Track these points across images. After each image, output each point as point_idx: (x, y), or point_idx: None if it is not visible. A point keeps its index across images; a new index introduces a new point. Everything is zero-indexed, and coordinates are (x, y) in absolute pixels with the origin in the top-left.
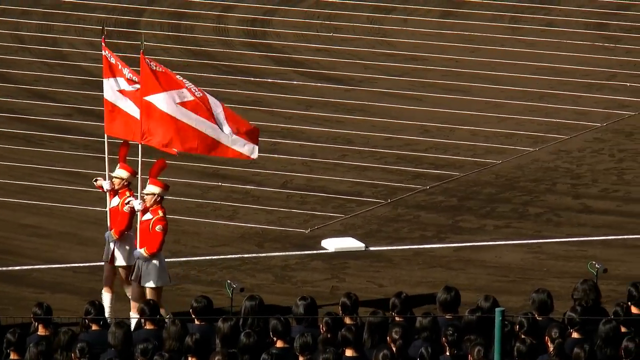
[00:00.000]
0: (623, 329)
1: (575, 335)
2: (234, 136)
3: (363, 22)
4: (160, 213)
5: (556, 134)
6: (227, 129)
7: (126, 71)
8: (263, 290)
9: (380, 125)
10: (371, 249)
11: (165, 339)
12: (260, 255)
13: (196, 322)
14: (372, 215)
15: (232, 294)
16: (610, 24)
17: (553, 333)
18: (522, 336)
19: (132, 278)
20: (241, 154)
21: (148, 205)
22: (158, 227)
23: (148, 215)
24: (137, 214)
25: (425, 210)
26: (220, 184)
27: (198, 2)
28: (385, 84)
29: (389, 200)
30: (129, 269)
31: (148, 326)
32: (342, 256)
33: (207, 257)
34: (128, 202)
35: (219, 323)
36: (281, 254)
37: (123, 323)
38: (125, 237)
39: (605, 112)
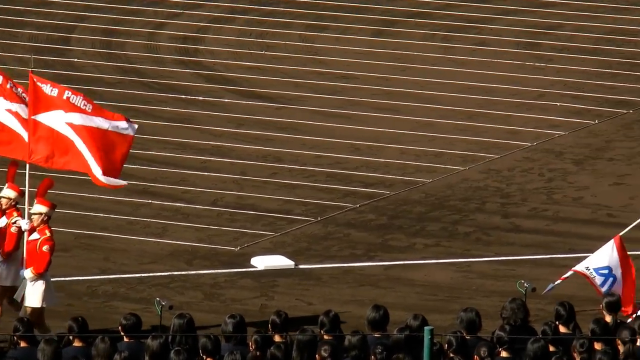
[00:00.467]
0: (551, 348)
1: (503, 354)
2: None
3: (295, 40)
4: (48, 233)
5: (486, 153)
6: (97, 169)
7: (19, 90)
8: (192, 308)
9: (310, 143)
10: (301, 267)
11: (94, 357)
12: (190, 272)
13: (125, 339)
14: (302, 234)
15: (161, 312)
16: (541, 43)
17: (482, 352)
18: (451, 355)
19: (15, 296)
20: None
21: (35, 224)
22: (45, 247)
23: (35, 235)
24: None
25: (355, 228)
26: (150, 201)
27: (130, 19)
28: (316, 102)
29: (319, 219)
30: (13, 289)
31: (76, 343)
32: (271, 274)
33: (137, 275)
34: (15, 222)
35: (148, 341)
36: (210, 271)
37: (52, 340)
38: (13, 257)
39: (535, 132)
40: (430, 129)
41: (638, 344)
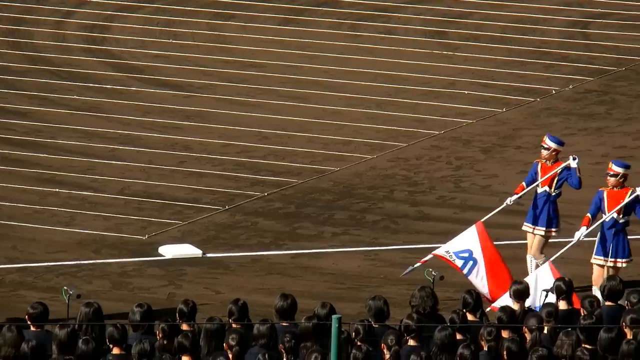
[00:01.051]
0: (459, 336)
1: (411, 342)
2: None
3: (202, 29)
4: None
5: (394, 141)
6: None
7: None
8: (100, 296)
9: (218, 131)
10: (208, 255)
11: (1, 346)
12: (97, 261)
13: (32, 328)
14: (210, 222)
15: (68, 301)
16: (449, 32)
17: (389, 340)
18: (359, 343)
19: None
20: None
21: None
22: None
23: None
24: None
25: (263, 217)
26: (57, 190)
27: (37, 7)
28: (223, 90)
29: (226, 207)
30: None
31: None
32: (179, 263)
33: (44, 264)
34: None
35: (56, 329)
36: (118, 260)
37: None
38: None
39: (443, 120)
40: (338, 117)
41: (545, 331)
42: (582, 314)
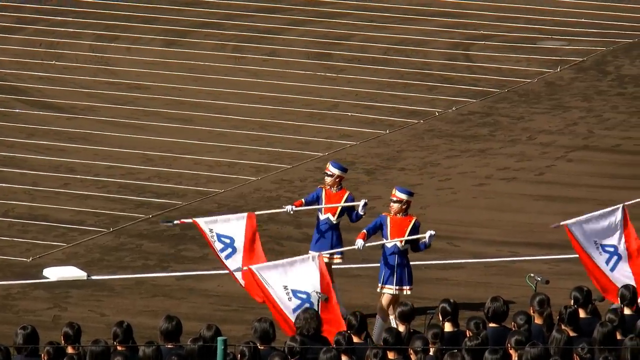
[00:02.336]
0: (344, 358)
1: None
2: None
3: (86, 51)
4: None
5: (278, 163)
6: None
7: None
8: None
9: (102, 153)
10: (93, 277)
11: None
12: None
13: None
14: (95, 244)
15: None
16: (333, 54)
17: None
18: None
19: None
20: None
21: None
22: None
23: None
24: None
25: (148, 239)
26: None
27: None
28: (107, 112)
29: (111, 229)
30: None
31: None
32: (64, 285)
33: None
34: None
35: None
36: (2, 283)
37: None
38: None
39: (327, 142)
40: (223, 139)
41: (430, 353)
42: (468, 335)
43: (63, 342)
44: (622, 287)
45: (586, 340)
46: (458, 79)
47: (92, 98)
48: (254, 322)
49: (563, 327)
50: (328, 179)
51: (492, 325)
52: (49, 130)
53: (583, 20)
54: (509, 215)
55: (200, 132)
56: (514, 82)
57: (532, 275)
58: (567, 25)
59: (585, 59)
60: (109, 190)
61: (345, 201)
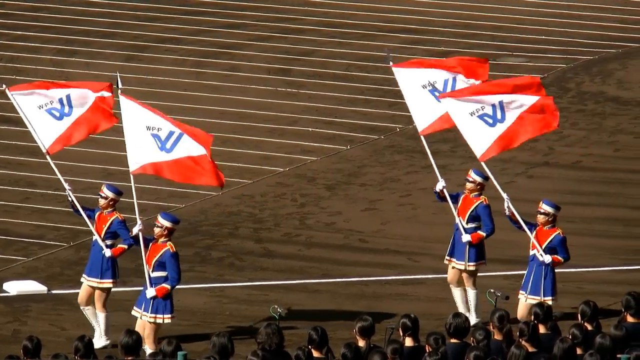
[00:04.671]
0: None
1: None
2: None
3: (46, 65)
4: None
5: (239, 178)
6: None
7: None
8: None
9: (62, 168)
10: (54, 292)
11: None
12: None
13: None
14: (55, 259)
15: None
16: (293, 69)
17: None
18: None
19: None
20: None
21: None
22: None
23: None
24: None
25: None
26: None
27: None
28: None
29: (71, 244)
30: None
31: None
32: (24, 299)
33: None
34: None
35: None
36: None
37: None
38: None
39: (288, 157)
40: None
41: None
42: (428, 351)
43: (23, 356)
44: (582, 303)
45: (545, 356)
46: None
47: None
48: (213, 336)
49: (523, 342)
50: (102, 201)
51: (452, 341)
52: (9, 145)
53: (544, 37)
54: None
55: None
56: None
57: (492, 291)
58: (528, 42)
59: (545, 75)
60: (69, 205)
61: (111, 224)
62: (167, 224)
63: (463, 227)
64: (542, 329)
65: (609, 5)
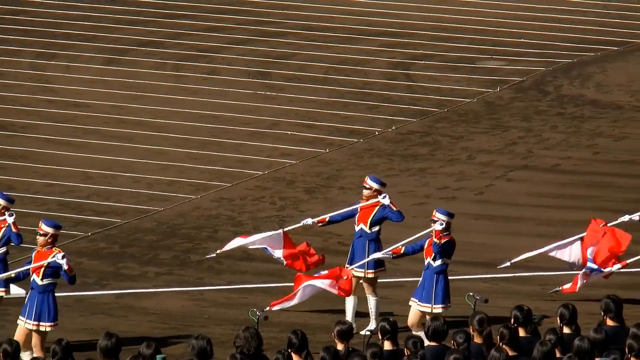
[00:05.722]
0: None
1: None
2: None
3: (25, 68)
4: None
5: (218, 181)
6: None
7: None
8: None
9: (42, 171)
10: None
11: None
12: None
13: None
14: None
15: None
16: (273, 72)
17: None
18: None
19: None
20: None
21: None
22: None
23: None
24: None
25: (87, 256)
26: None
27: None
28: (47, 130)
29: None
30: None
31: None
32: (3, 302)
33: None
34: None
35: None
36: None
37: None
38: None
39: (267, 160)
40: (162, 157)
41: None
42: (406, 354)
43: (2, 359)
44: (561, 306)
45: (525, 359)
46: (398, 98)
47: (31, 116)
48: (192, 339)
49: (503, 346)
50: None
51: (431, 344)
52: None
53: (523, 40)
54: None
55: (140, 151)
56: (454, 102)
57: (471, 294)
58: (507, 45)
59: (524, 79)
60: (48, 208)
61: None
62: (50, 230)
63: (365, 232)
64: (521, 333)
65: (588, 9)
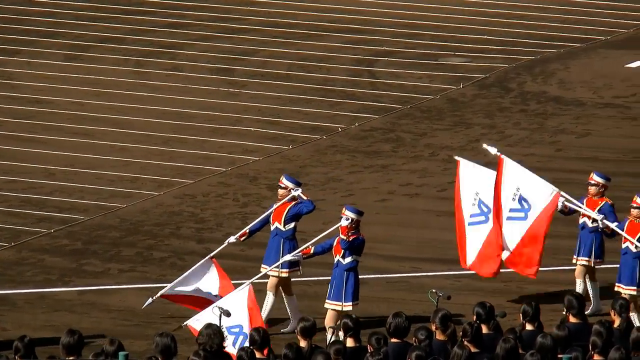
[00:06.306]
0: None
1: None
2: None
3: None
4: None
5: (181, 178)
6: None
7: None
8: None
9: (4, 168)
10: None
11: None
12: None
13: None
14: None
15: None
16: (235, 69)
17: None
18: None
19: None
20: None
21: None
22: None
23: None
24: None
25: (49, 253)
26: None
27: None
28: (9, 126)
29: (12, 244)
30: None
31: None
32: None
33: None
34: None
35: None
36: None
37: None
38: None
39: (230, 157)
40: (125, 153)
41: None
42: (370, 351)
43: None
44: (524, 303)
45: (488, 356)
46: (361, 95)
47: None
48: (155, 336)
49: (466, 343)
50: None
51: (393, 340)
52: None
53: (485, 37)
54: (412, 231)
55: (102, 147)
56: (417, 99)
57: (434, 290)
58: (470, 42)
59: (487, 75)
60: (10, 205)
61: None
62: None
63: (280, 230)
64: (484, 329)
65: (551, 6)
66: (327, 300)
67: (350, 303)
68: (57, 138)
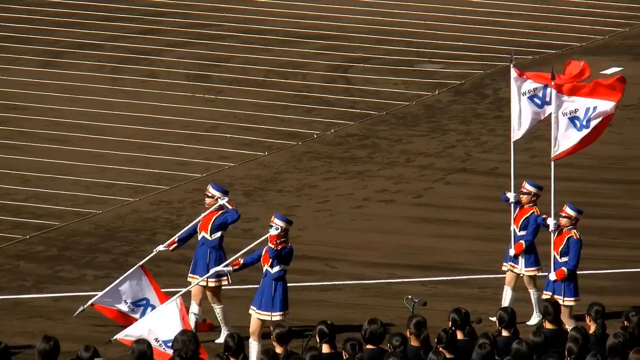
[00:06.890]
0: None
1: None
2: None
3: None
4: None
5: (157, 184)
6: None
7: None
8: None
9: None
10: None
11: None
12: None
13: None
14: None
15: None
16: (211, 75)
17: None
18: None
19: None
20: None
21: None
22: None
23: None
24: None
25: (24, 260)
26: None
27: None
28: None
29: None
30: None
31: None
32: None
33: None
34: None
35: None
36: None
37: None
38: None
39: (205, 163)
40: (100, 160)
41: None
42: (345, 357)
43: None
44: (500, 309)
45: None
46: (336, 101)
47: None
48: (132, 343)
49: (440, 349)
50: None
51: (368, 347)
52: None
53: (461, 43)
54: (387, 237)
55: (77, 153)
56: (393, 105)
57: (409, 297)
58: (445, 48)
59: (463, 82)
60: None
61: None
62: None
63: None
64: (459, 335)
65: (526, 12)
66: (254, 308)
67: (279, 313)
68: (33, 144)
